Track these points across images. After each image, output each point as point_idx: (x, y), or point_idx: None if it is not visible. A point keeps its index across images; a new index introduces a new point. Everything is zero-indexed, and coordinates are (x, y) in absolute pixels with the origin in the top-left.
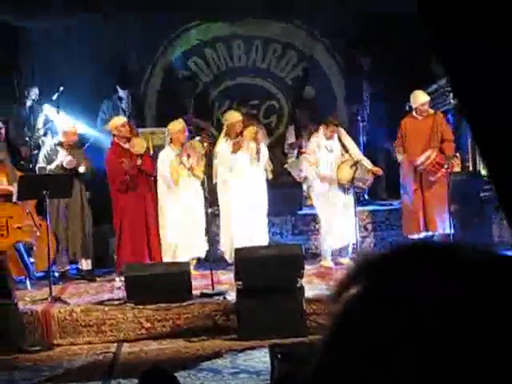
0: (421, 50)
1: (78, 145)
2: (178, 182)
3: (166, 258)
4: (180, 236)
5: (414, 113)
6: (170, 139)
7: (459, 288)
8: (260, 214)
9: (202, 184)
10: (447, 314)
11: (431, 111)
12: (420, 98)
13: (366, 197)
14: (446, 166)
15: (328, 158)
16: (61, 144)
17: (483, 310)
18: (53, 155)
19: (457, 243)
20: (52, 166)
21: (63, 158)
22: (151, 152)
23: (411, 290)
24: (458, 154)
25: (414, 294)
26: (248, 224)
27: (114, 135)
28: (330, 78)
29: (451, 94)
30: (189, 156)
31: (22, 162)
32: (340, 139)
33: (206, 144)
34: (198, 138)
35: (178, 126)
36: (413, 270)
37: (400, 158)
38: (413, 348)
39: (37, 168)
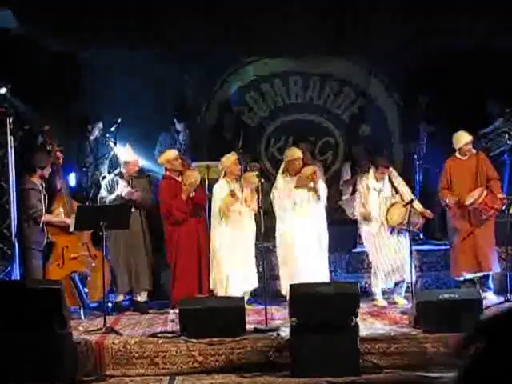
0: (477, 90)
1: (139, 175)
2: (226, 216)
3: (218, 292)
4: (232, 269)
5: (457, 154)
6: (224, 172)
7: None
8: (319, 250)
9: (257, 218)
10: None
11: (474, 151)
12: (463, 138)
13: (421, 236)
14: (504, 207)
15: (377, 199)
16: (121, 175)
17: None
18: (114, 185)
19: None
20: (112, 197)
21: (123, 189)
22: (207, 185)
23: None
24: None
25: None
26: (308, 261)
27: (166, 168)
28: (387, 116)
29: (507, 135)
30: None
31: (84, 193)
32: (390, 180)
33: (262, 180)
34: (254, 173)
35: (231, 158)
36: None
37: (447, 200)
38: None
39: (98, 198)
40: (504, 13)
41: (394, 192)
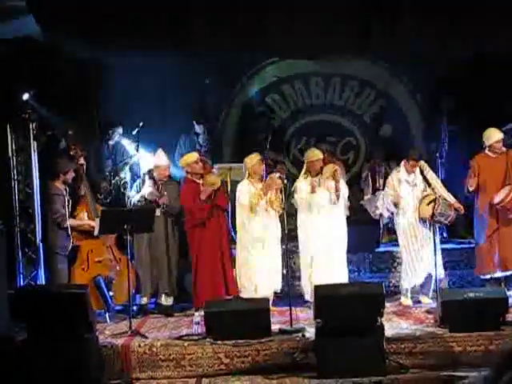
0: (498, 90)
1: (169, 181)
2: (253, 210)
3: (244, 293)
4: (258, 270)
5: (486, 150)
6: (248, 173)
7: None
8: (340, 252)
9: (281, 220)
10: None
11: (504, 149)
12: (495, 135)
13: (445, 235)
14: None
15: (410, 192)
16: (151, 175)
17: None
18: (143, 186)
19: None
20: (137, 197)
21: (146, 189)
22: (229, 187)
23: None
24: None
25: None
26: (328, 262)
27: (186, 171)
28: (408, 115)
29: None
30: (267, 190)
31: (101, 197)
32: (422, 173)
33: (285, 180)
34: (277, 175)
35: (254, 158)
36: None
37: (469, 183)
38: None
39: (126, 196)
40: None
41: (426, 185)
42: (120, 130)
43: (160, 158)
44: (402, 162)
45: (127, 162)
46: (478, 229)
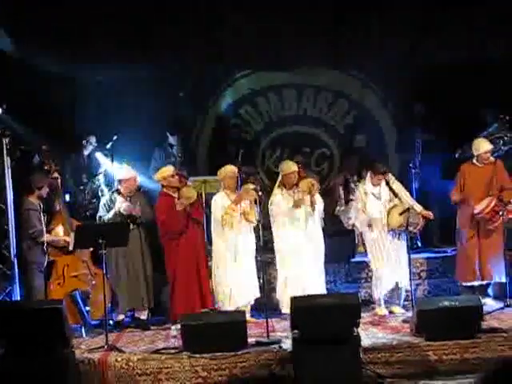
0: (471, 99)
1: (137, 190)
2: (231, 226)
3: (223, 305)
4: (233, 282)
5: (474, 160)
6: (223, 185)
7: None
8: (317, 263)
9: (256, 231)
10: None
11: (492, 159)
12: (483, 146)
13: (420, 244)
14: (500, 213)
15: (376, 204)
16: (118, 191)
17: None
18: (111, 204)
19: None
20: (110, 215)
21: (121, 205)
22: (203, 200)
23: None
24: None
25: None
26: (305, 273)
27: (162, 185)
28: (381, 126)
29: (501, 141)
30: (240, 200)
31: (80, 210)
32: (388, 184)
33: (260, 192)
34: (252, 186)
35: (225, 171)
36: None
37: (457, 197)
38: None
39: (97, 217)
40: (494, 28)
41: (392, 196)
42: (93, 139)
43: (127, 172)
44: (368, 175)
45: (100, 173)
46: (460, 236)
